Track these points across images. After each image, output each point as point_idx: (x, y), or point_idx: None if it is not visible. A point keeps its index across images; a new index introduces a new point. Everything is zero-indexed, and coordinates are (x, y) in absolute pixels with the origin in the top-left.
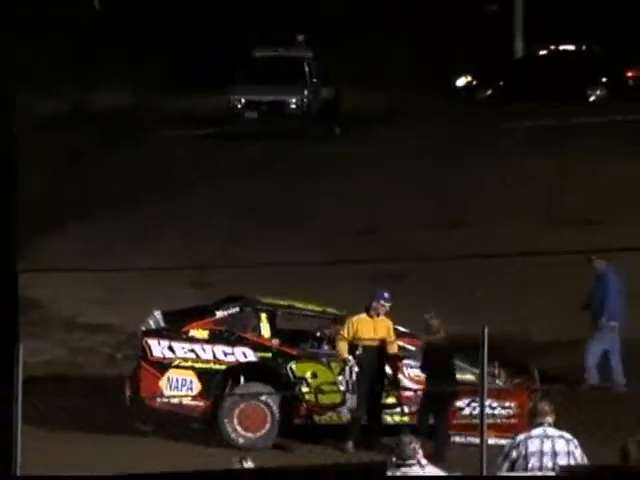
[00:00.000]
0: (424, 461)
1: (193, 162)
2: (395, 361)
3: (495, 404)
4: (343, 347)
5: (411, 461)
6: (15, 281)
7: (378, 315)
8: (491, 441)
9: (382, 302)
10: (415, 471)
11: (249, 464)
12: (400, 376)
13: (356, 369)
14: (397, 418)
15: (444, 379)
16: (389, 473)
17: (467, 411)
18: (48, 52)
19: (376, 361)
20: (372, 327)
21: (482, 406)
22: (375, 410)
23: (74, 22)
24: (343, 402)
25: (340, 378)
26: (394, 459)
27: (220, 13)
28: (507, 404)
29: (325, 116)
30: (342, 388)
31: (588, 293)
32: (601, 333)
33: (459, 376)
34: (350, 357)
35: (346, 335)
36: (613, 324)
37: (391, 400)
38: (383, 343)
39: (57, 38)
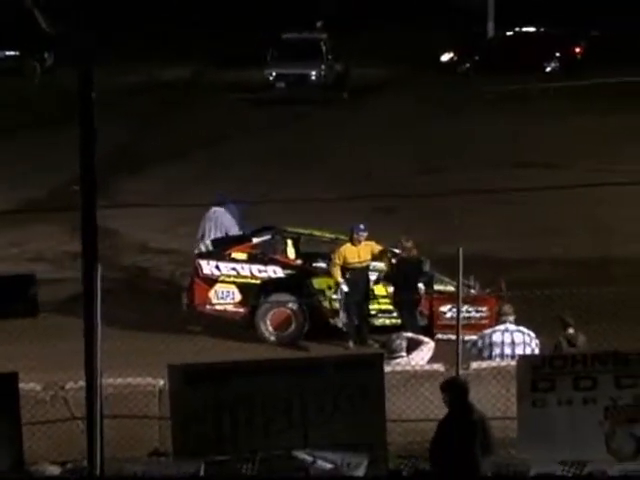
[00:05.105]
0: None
1: (237, 120)
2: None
3: (471, 309)
4: (336, 272)
5: (398, 354)
6: (94, 214)
7: (359, 242)
8: (467, 337)
9: (360, 233)
10: (403, 362)
11: None
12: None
13: (345, 289)
14: (389, 321)
15: (413, 287)
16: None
17: (449, 315)
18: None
19: (363, 279)
20: (356, 253)
21: (458, 310)
22: (363, 316)
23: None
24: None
25: (334, 296)
26: (385, 353)
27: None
28: (480, 309)
29: (337, 86)
30: (337, 305)
31: None
32: None
33: (441, 287)
34: (341, 280)
35: (337, 262)
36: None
37: (386, 307)
38: (368, 265)
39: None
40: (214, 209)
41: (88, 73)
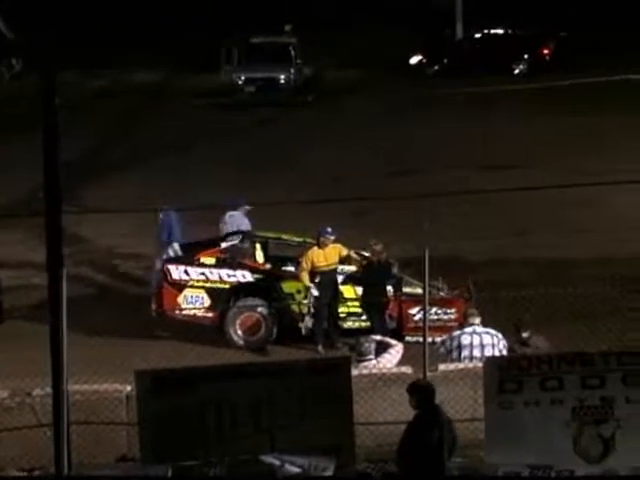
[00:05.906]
0: (378, 357)
1: (205, 124)
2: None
3: (440, 311)
4: (305, 276)
5: (366, 357)
6: (59, 219)
7: (327, 246)
8: (437, 339)
9: (327, 236)
10: (370, 365)
11: None
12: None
13: (315, 293)
14: (358, 324)
15: (381, 290)
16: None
17: (417, 317)
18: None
19: (332, 281)
20: (324, 256)
21: (425, 311)
22: (333, 319)
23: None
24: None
25: (305, 301)
26: (354, 356)
27: (224, 10)
28: (448, 310)
29: (307, 89)
30: (305, 310)
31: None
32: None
33: (410, 290)
34: (311, 284)
35: (305, 267)
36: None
37: (355, 310)
38: (336, 267)
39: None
40: (230, 212)
41: (51, 78)
